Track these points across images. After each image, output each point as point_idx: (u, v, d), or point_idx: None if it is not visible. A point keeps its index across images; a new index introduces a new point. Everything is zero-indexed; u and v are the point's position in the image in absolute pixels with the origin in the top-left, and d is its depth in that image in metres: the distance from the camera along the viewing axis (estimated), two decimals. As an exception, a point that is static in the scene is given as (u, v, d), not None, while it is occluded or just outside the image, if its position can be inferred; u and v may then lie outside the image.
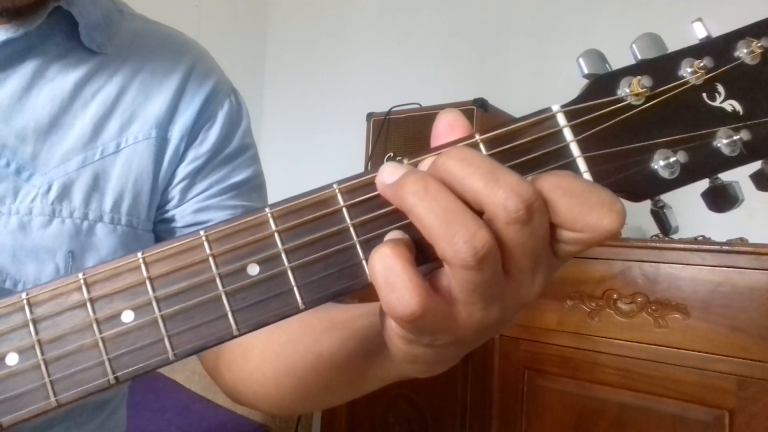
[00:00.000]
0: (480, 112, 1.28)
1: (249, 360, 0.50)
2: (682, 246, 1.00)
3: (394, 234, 0.28)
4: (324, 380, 0.42)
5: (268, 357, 0.48)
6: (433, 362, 0.30)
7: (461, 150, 0.27)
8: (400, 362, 0.31)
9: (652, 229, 1.14)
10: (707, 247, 0.98)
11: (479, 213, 0.26)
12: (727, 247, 0.96)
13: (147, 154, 0.54)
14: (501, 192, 0.25)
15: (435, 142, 0.30)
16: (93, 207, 0.51)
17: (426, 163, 0.28)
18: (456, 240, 0.24)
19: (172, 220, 0.57)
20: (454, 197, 0.25)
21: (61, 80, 0.52)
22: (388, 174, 0.27)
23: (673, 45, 0.31)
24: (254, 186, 0.60)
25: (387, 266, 0.25)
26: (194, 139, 0.57)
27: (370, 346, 0.37)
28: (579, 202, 0.26)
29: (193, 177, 0.57)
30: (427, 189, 0.26)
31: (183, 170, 0.56)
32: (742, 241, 1.05)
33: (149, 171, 0.54)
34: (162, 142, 0.55)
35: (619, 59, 0.31)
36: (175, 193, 0.56)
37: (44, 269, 0.48)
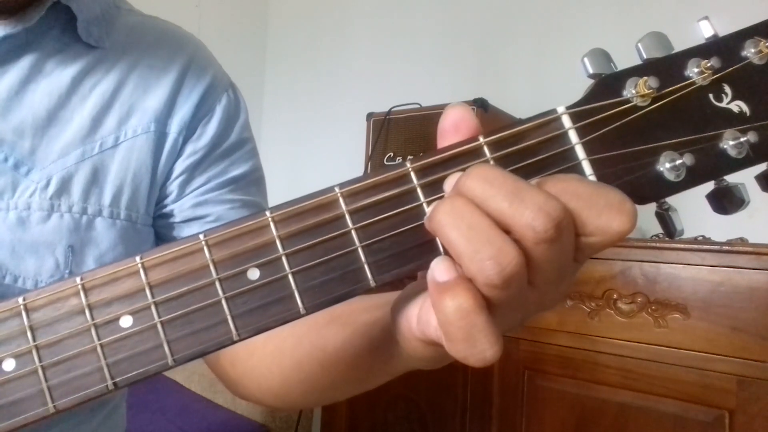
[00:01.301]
0: (480, 112, 1.28)
1: (252, 353, 0.50)
2: (682, 246, 1.00)
3: (443, 264, 0.26)
4: (330, 375, 0.42)
5: (272, 351, 0.48)
6: (447, 359, 0.30)
7: (482, 169, 0.26)
8: (411, 358, 0.30)
9: (653, 229, 1.13)
10: (707, 247, 0.98)
11: (506, 233, 0.25)
12: (727, 247, 0.96)
13: (146, 148, 0.54)
14: (528, 212, 0.24)
15: (440, 138, 0.29)
16: (92, 201, 0.51)
17: (449, 182, 0.27)
18: (481, 257, 0.24)
19: (170, 215, 0.57)
20: (480, 213, 0.25)
21: (59, 75, 0.51)
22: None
23: (678, 44, 0.30)
24: (253, 180, 0.60)
25: (469, 321, 0.24)
26: (192, 133, 0.56)
27: (375, 342, 0.37)
28: (587, 205, 0.25)
29: (192, 171, 0.56)
30: (453, 206, 0.25)
31: (181, 164, 0.56)
32: (742, 241, 1.04)
33: (148, 165, 0.54)
34: (161, 136, 0.55)
35: (620, 59, 0.30)
36: (173, 187, 0.56)
37: (44, 264, 0.48)
